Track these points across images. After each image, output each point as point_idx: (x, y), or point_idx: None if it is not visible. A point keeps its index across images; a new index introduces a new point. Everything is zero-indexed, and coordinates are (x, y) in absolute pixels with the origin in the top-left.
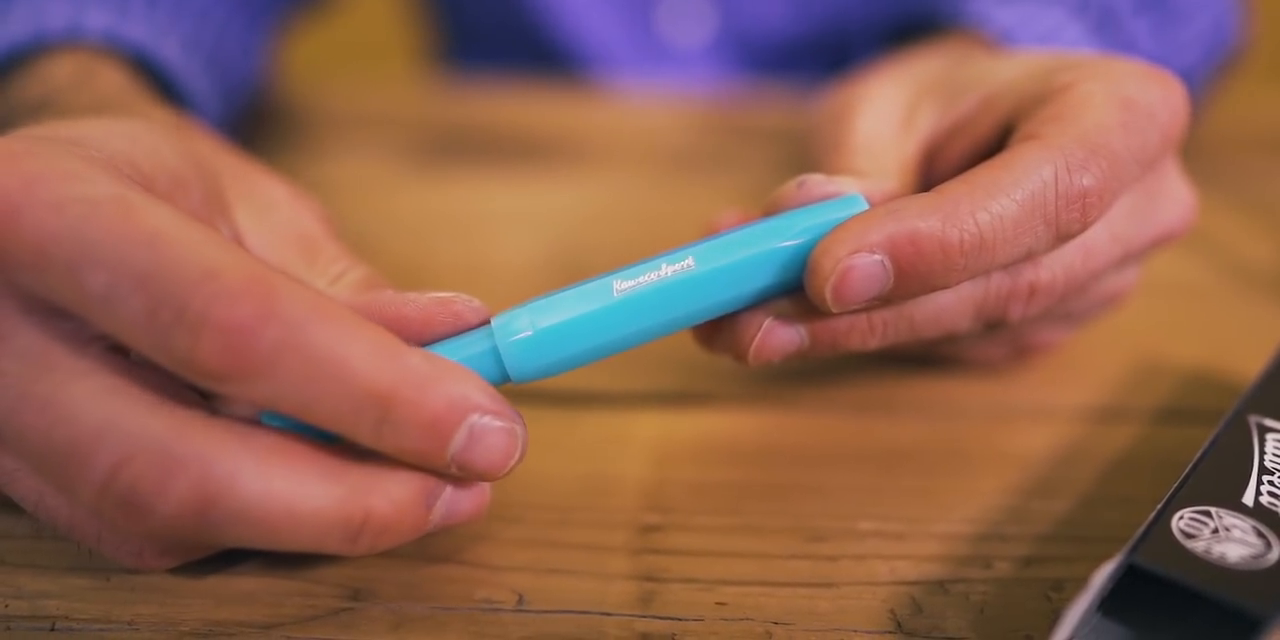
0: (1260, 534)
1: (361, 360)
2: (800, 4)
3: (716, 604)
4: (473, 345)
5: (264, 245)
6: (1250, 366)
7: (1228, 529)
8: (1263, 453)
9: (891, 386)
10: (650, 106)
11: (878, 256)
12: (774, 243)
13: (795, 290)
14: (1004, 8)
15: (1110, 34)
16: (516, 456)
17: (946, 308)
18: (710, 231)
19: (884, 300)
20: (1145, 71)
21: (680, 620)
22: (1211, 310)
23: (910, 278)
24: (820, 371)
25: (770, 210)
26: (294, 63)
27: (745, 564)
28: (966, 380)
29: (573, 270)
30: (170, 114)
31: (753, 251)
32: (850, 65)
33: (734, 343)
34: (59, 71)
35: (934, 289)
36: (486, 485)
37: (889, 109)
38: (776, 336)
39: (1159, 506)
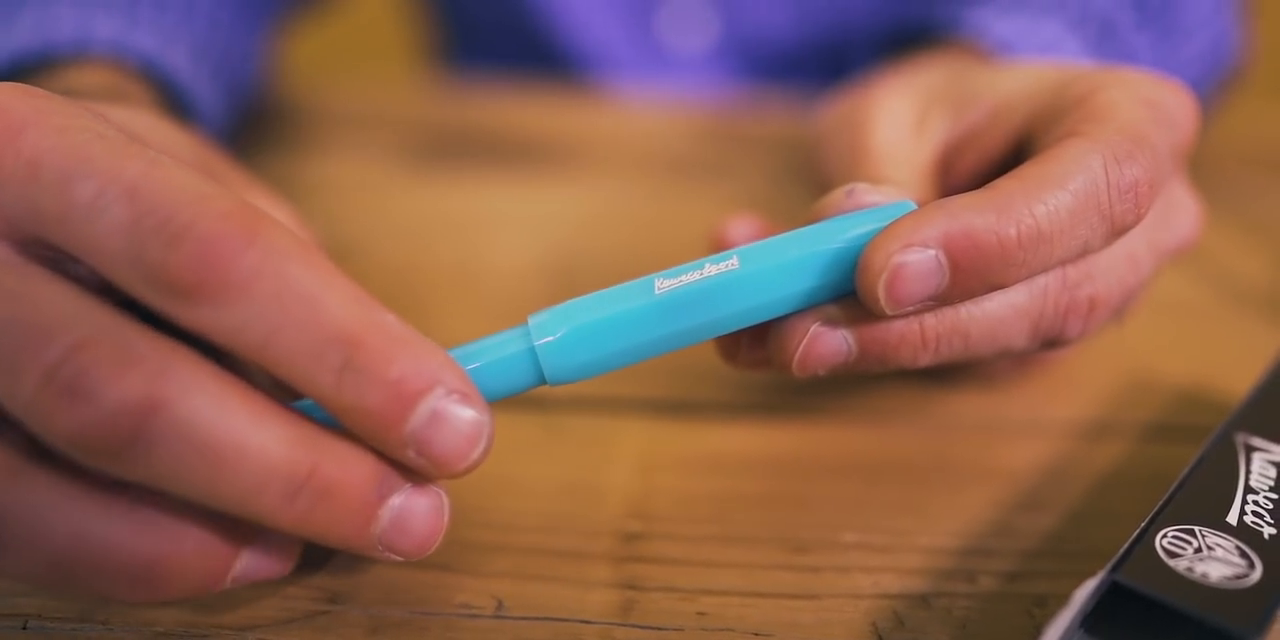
0: (1243, 553)
1: (336, 301)
2: (803, 12)
3: (697, 614)
4: (507, 346)
5: None
6: (1241, 384)
7: (1211, 548)
8: (1249, 472)
9: (879, 396)
10: (650, 112)
11: (932, 251)
12: (824, 244)
13: (844, 296)
14: (1003, 20)
15: (1110, 48)
16: (480, 451)
17: (1004, 322)
18: (719, 238)
19: (939, 301)
20: (1156, 79)
21: (660, 629)
22: (1204, 327)
23: (967, 274)
24: (804, 381)
25: (816, 219)
26: (294, 62)
27: (727, 574)
28: (956, 392)
29: (568, 275)
30: (183, 126)
31: (801, 253)
32: (849, 74)
33: (779, 350)
34: (86, 81)
35: (992, 287)
36: (445, 508)
37: (901, 118)
38: (823, 343)
39: (1143, 524)
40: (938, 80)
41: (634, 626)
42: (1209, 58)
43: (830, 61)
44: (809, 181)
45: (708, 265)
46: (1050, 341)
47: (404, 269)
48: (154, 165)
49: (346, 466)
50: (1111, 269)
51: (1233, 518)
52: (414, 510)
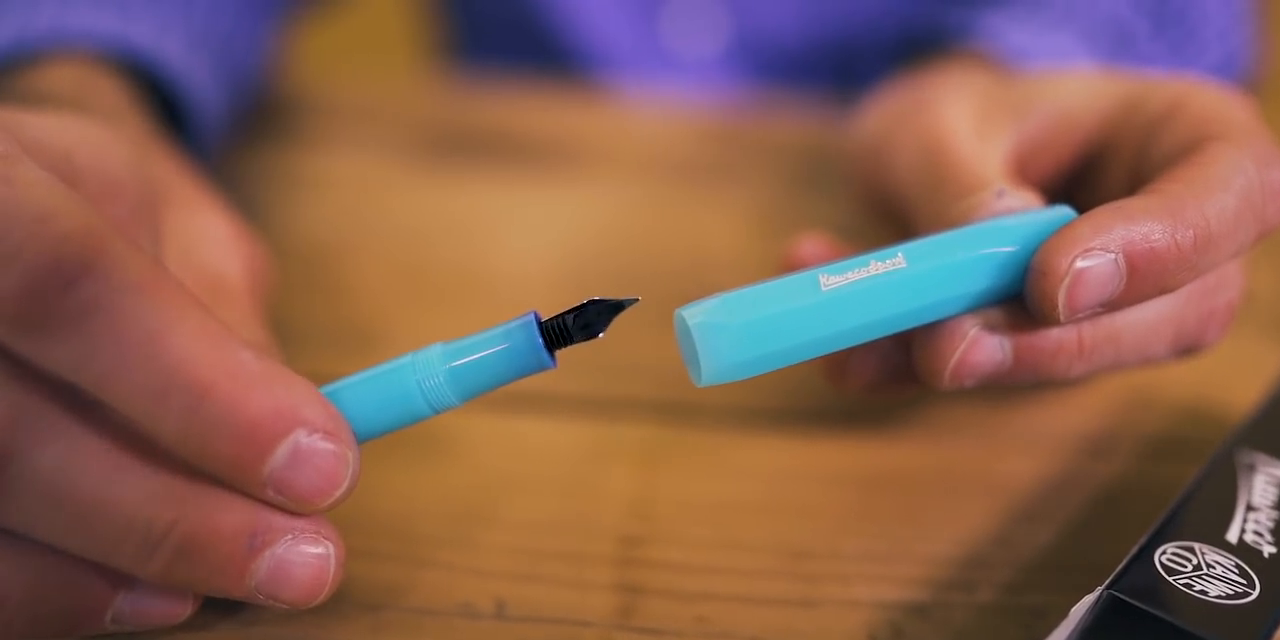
0: (1242, 571)
1: (183, 340)
2: (812, 15)
3: (696, 618)
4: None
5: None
6: (1244, 400)
7: (1210, 565)
8: (1250, 489)
9: (882, 405)
10: (657, 114)
11: (1112, 256)
12: (989, 246)
13: (1003, 300)
14: (1017, 28)
15: (1125, 58)
16: (344, 488)
17: (1154, 330)
18: (791, 260)
19: (1109, 307)
20: (1222, 86)
21: (659, 633)
22: None
23: (1143, 278)
24: (809, 388)
25: (961, 219)
26: (302, 56)
27: (727, 579)
28: (959, 402)
29: (571, 276)
30: (144, 130)
31: (968, 254)
32: (858, 79)
33: (931, 356)
34: (49, 82)
35: (1161, 292)
36: (333, 558)
37: (967, 123)
38: (982, 349)
39: (1143, 540)
40: (983, 87)
41: (633, 630)
42: (1225, 70)
43: (840, 66)
44: (820, 187)
45: (873, 262)
46: (1187, 349)
47: (406, 268)
48: (7, 183)
49: (213, 521)
50: (1236, 274)
51: (1233, 536)
52: (294, 561)
